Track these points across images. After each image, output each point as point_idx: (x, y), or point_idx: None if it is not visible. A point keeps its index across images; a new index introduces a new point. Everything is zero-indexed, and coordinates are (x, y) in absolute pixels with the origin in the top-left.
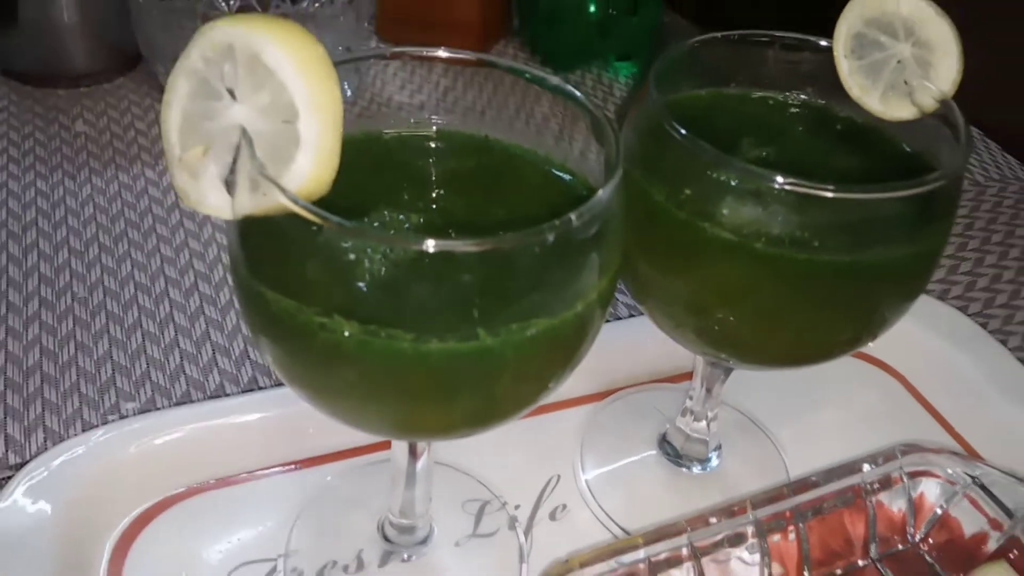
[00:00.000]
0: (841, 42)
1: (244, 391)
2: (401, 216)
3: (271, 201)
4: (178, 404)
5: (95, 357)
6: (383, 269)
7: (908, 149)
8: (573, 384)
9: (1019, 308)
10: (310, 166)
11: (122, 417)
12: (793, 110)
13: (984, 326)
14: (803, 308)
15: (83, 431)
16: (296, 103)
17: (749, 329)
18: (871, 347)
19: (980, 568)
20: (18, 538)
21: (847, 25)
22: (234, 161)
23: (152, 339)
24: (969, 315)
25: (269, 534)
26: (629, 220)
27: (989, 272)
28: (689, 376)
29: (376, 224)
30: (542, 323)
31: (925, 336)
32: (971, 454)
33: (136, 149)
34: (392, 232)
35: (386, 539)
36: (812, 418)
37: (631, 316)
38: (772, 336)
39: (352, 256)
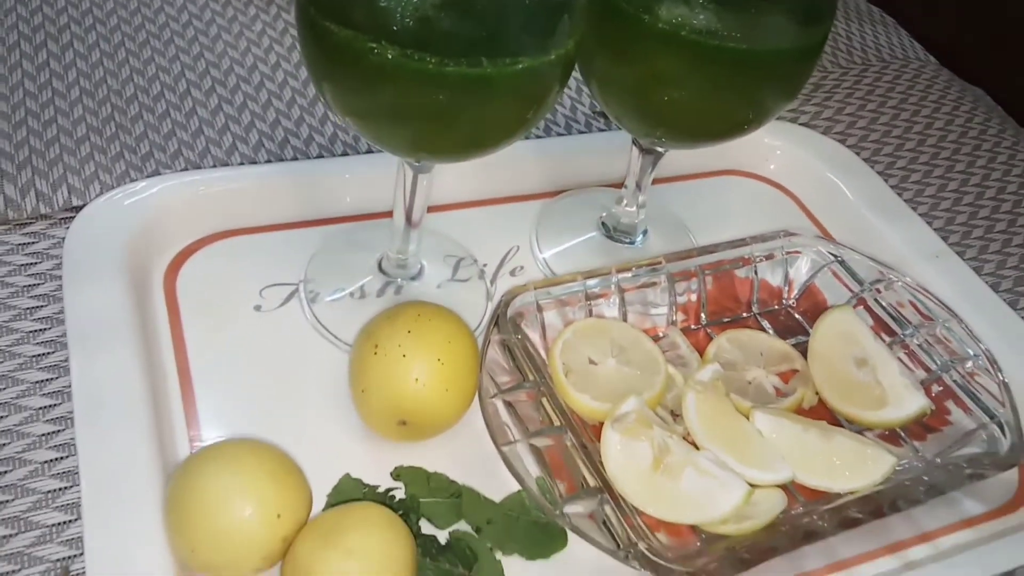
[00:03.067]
0: None
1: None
2: None
3: None
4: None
5: (135, 135)
6: (418, 7)
7: None
8: (531, 182)
9: (902, 157)
10: None
11: None
12: None
13: (872, 167)
14: (717, 85)
15: None
16: None
17: (676, 105)
18: (771, 170)
19: (830, 310)
20: (89, 257)
21: None
22: None
23: (181, 127)
24: (861, 157)
25: (290, 267)
26: (590, 20)
27: (882, 128)
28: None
29: None
30: (526, 61)
31: (814, 163)
32: None
33: None
34: None
35: (384, 273)
36: (721, 221)
37: (580, 133)
38: (694, 110)
39: None
